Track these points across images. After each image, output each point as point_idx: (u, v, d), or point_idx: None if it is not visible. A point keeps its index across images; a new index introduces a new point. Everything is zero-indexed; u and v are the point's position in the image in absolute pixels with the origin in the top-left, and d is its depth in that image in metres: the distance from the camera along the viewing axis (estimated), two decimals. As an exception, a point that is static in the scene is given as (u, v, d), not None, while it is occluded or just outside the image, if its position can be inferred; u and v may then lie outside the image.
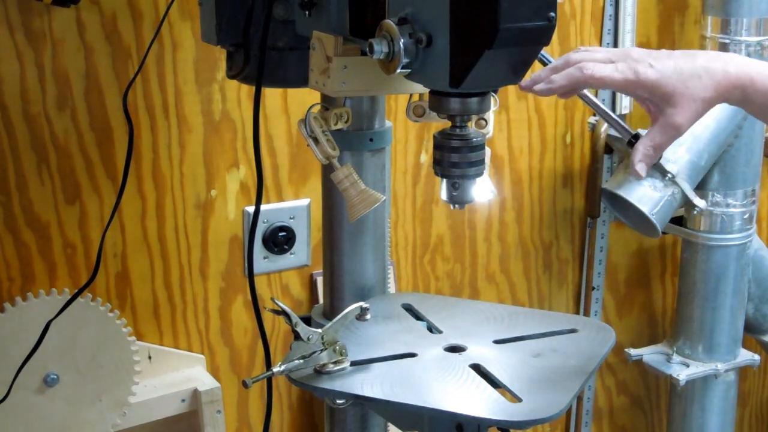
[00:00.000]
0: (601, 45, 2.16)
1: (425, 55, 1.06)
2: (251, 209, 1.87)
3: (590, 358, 1.30)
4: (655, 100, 1.19)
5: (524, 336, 1.36)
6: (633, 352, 2.26)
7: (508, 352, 1.31)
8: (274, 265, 1.92)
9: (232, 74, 1.40)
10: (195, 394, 1.80)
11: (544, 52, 1.15)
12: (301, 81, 1.32)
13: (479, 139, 1.17)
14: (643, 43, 2.22)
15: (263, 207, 1.86)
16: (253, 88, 1.28)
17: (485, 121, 1.37)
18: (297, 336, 1.23)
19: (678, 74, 1.16)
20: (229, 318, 1.92)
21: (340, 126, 1.32)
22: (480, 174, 1.19)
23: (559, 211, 2.24)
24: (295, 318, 1.22)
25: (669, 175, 2.04)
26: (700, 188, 2.12)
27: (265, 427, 1.37)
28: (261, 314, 1.35)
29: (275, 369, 1.22)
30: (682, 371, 2.19)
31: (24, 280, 1.72)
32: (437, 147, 1.18)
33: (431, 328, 1.40)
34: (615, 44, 2.16)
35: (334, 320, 1.25)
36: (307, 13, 1.25)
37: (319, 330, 1.24)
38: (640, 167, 1.19)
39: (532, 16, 1.00)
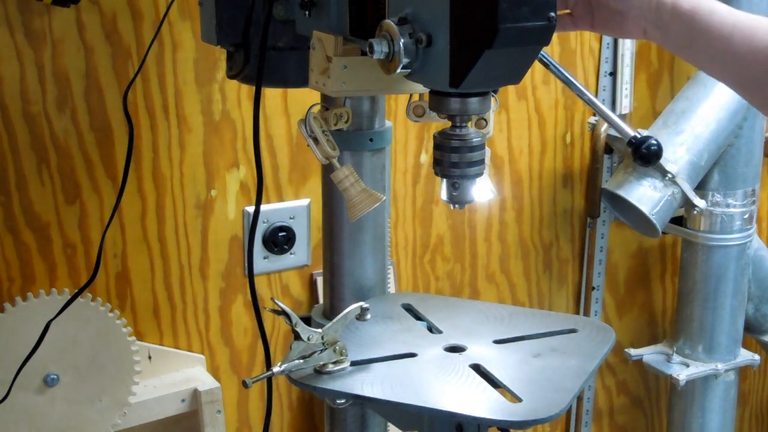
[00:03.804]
0: (600, 45, 2.16)
1: (425, 55, 1.06)
2: (251, 209, 1.87)
3: (590, 358, 1.30)
4: None
5: (524, 336, 1.36)
6: (633, 352, 2.26)
7: (508, 352, 1.31)
8: (274, 265, 1.92)
9: (232, 74, 1.40)
10: (195, 394, 1.80)
11: (544, 52, 1.15)
12: (301, 81, 1.32)
13: (479, 139, 1.17)
14: (643, 43, 2.22)
15: (263, 207, 1.86)
16: (253, 88, 1.28)
17: (485, 121, 1.37)
18: (297, 336, 1.23)
19: None
20: (229, 318, 1.92)
21: (340, 126, 1.32)
22: (480, 174, 1.18)
23: (559, 211, 2.24)
24: (295, 318, 1.22)
25: (669, 175, 2.04)
26: (700, 188, 2.12)
27: (265, 427, 1.37)
28: (261, 314, 1.35)
29: (275, 369, 1.22)
30: (682, 371, 2.19)
31: (24, 280, 1.72)
32: (437, 147, 1.18)
33: (431, 328, 1.40)
34: (615, 44, 2.16)
35: (334, 320, 1.25)
36: (307, 13, 1.25)
37: (319, 330, 1.24)
38: None
39: (532, 16, 1.00)
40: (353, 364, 1.26)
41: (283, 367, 1.23)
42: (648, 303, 2.45)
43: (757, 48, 1.07)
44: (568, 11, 1.24)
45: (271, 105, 1.84)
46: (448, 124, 1.17)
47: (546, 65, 1.25)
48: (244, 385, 1.20)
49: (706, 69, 1.16)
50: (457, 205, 1.19)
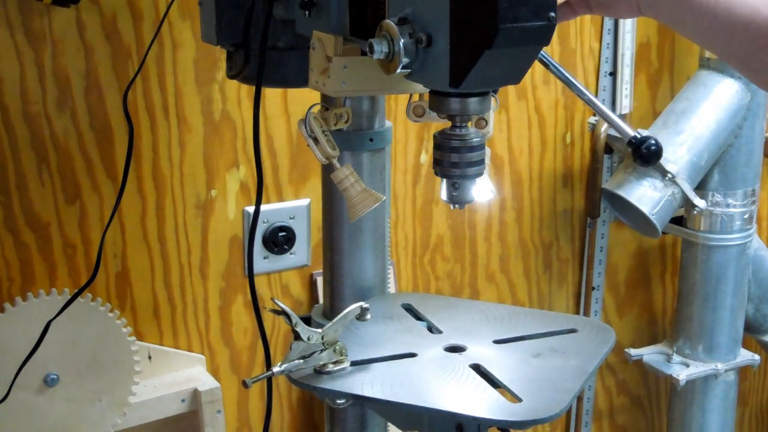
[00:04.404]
0: (600, 45, 2.16)
1: (425, 55, 1.06)
2: (251, 209, 1.87)
3: (590, 358, 1.30)
4: None
5: (524, 336, 1.36)
6: (633, 352, 2.26)
7: (508, 352, 1.31)
8: (274, 265, 1.92)
9: (232, 74, 1.40)
10: (195, 394, 1.80)
11: (544, 52, 1.15)
12: (301, 81, 1.32)
13: (479, 139, 1.17)
14: (643, 43, 2.22)
15: (263, 207, 1.86)
16: (253, 88, 1.28)
17: (485, 121, 1.37)
18: (297, 336, 1.23)
19: None
20: (229, 318, 1.92)
21: (340, 126, 1.32)
22: (480, 174, 1.18)
23: (559, 211, 2.24)
24: (295, 318, 1.22)
25: (669, 175, 2.04)
26: (700, 188, 2.12)
27: (265, 427, 1.37)
28: (261, 314, 1.35)
29: (275, 369, 1.22)
30: (682, 371, 2.19)
31: (24, 280, 1.72)
32: (437, 147, 1.18)
33: (431, 328, 1.40)
34: (615, 44, 2.16)
35: (334, 320, 1.25)
36: (307, 13, 1.25)
37: (319, 330, 1.24)
38: None
39: (532, 16, 1.00)
40: (353, 364, 1.26)
41: (283, 367, 1.23)
42: (648, 303, 2.45)
43: (737, 19, 1.08)
44: (565, 0, 1.25)
45: (271, 105, 1.84)
46: (448, 124, 1.17)
47: (546, 65, 1.25)
48: (244, 385, 1.20)
49: (700, 44, 1.17)
50: (457, 205, 1.19)
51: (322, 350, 1.24)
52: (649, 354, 2.27)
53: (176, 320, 1.87)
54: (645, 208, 2.05)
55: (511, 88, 2.09)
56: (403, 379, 1.23)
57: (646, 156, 1.21)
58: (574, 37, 2.14)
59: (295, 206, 1.91)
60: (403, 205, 2.04)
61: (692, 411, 2.25)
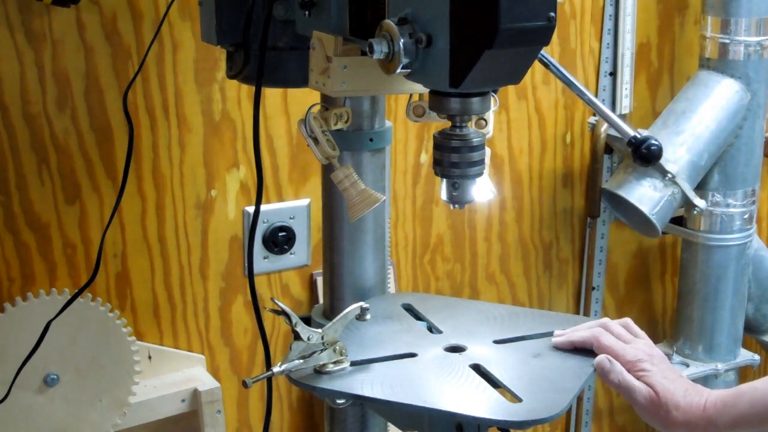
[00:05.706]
0: (600, 45, 2.16)
1: (425, 55, 1.06)
2: (251, 209, 1.87)
3: (590, 358, 1.30)
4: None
5: (524, 336, 1.36)
6: (633, 352, 2.26)
7: (508, 352, 1.31)
8: (274, 265, 1.92)
9: (232, 74, 1.40)
10: (195, 394, 1.80)
11: (544, 52, 1.15)
12: (301, 81, 1.32)
13: (479, 139, 1.17)
14: (643, 43, 2.22)
15: (263, 207, 1.86)
16: (253, 88, 1.28)
17: (485, 121, 1.37)
18: (297, 336, 1.23)
19: None
20: (229, 318, 1.92)
21: (340, 126, 1.32)
22: (480, 174, 1.19)
23: (559, 211, 2.24)
24: (295, 318, 1.22)
25: (669, 175, 2.04)
26: (700, 188, 2.12)
27: (265, 427, 1.37)
28: (261, 314, 1.35)
29: (275, 369, 1.22)
30: (682, 371, 2.19)
31: (24, 280, 1.72)
32: (437, 147, 1.18)
33: (431, 328, 1.40)
34: (615, 44, 2.16)
35: (334, 320, 1.26)
36: (307, 13, 1.25)
37: (319, 330, 1.24)
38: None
39: (532, 16, 1.00)
40: (353, 364, 1.26)
41: (283, 367, 1.23)
42: (648, 303, 2.45)
43: None
44: None
45: (271, 105, 1.84)
46: (448, 124, 1.17)
47: (546, 65, 1.26)
48: (244, 385, 1.20)
49: None
50: (457, 205, 1.19)
51: (322, 350, 1.24)
52: (649, 354, 2.26)
53: (176, 320, 1.87)
54: (645, 208, 2.05)
55: (511, 88, 2.09)
56: (403, 379, 1.23)
57: (646, 156, 1.21)
58: (574, 37, 2.14)
59: (295, 206, 1.91)
60: (403, 205, 2.04)
61: (692, 411, 2.25)
